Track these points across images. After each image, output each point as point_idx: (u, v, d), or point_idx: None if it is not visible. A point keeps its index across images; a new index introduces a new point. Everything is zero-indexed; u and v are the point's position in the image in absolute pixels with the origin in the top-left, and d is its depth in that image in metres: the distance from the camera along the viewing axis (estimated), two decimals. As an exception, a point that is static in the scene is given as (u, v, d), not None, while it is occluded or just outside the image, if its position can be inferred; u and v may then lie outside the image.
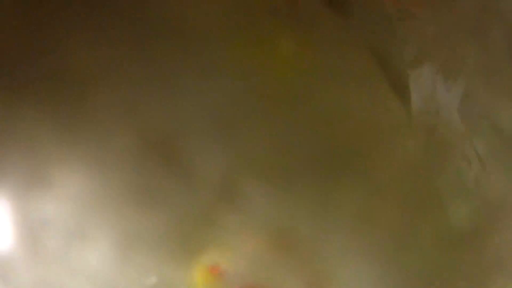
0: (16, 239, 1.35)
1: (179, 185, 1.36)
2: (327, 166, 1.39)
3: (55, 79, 1.36)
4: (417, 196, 1.40)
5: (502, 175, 1.41)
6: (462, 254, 1.39)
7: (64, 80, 1.36)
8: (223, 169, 1.37)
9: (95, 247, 1.34)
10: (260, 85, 1.40)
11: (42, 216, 1.35)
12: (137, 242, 1.35)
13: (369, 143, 1.41)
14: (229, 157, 1.37)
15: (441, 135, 1.41)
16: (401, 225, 1.39)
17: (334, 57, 1.41)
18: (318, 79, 1.40)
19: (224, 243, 1.37)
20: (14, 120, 1.36)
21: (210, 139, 1.37)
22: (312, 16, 1.40)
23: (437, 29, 1.41)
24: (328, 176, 1.39)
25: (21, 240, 1.35)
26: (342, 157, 1.40)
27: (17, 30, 1.35)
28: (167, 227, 1.35)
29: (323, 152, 1.39)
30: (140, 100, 1.37)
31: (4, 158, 1.35)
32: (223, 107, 1.38)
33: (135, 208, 1.35)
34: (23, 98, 1.36)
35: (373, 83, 1.40)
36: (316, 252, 1.36)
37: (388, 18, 1.39)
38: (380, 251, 1.37)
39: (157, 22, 1.36)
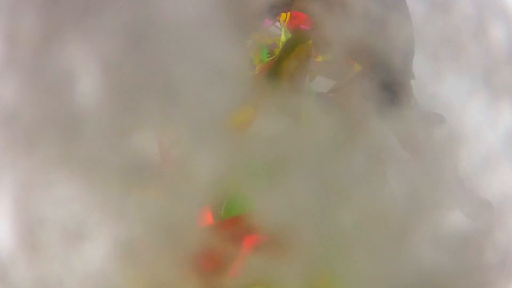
0: (16, 239, 1.35)
1: (178, 185, 1.36)
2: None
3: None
4: (416, 196, 1.41)
5: (502, 175, 1.42)
6: (462, 254, 1.40)
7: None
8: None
9: (95, 247, 1.34)
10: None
11: (42, 216, 1.35)
12: (138, 242, 1.35)
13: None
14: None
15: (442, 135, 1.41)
16: (401, 225, 1.39)
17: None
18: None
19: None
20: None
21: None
22: None
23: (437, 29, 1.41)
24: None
25: (21, 240, 1.35)
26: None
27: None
28: (168, 227, 1.35)
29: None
30: None
31: (4, 158, 1.35)
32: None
33: (136, 208, 1.35)
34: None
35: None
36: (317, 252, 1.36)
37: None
38: (381, 251, 1.38)
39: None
